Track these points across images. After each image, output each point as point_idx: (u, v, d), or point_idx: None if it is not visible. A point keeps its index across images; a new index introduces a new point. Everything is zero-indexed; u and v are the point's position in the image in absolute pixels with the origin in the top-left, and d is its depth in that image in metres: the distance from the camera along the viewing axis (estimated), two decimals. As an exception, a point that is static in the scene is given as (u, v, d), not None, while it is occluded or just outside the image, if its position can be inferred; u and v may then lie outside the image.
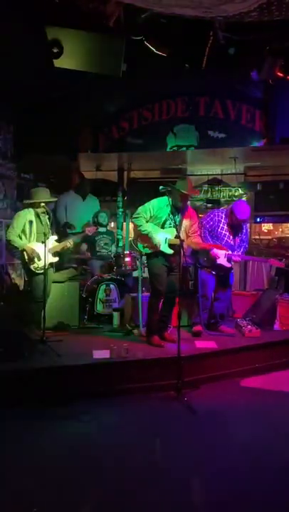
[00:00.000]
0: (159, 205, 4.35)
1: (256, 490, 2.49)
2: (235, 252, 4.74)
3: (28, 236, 4.56)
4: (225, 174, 7.27)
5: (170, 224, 4.31)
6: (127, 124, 6.39)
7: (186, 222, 4.39)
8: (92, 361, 3.90)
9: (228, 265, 4.72)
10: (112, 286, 5.43)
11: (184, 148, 6.30)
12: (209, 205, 7.02)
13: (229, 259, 4.69)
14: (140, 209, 4.42)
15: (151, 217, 4.37)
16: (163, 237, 4.32)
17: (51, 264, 4.70)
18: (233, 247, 4.75)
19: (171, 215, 4.29)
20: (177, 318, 3.86)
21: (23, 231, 4.57)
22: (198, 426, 3.28)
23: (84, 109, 6.23)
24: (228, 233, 4.73)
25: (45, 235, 4.43)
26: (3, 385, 3.57)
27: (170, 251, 4.32)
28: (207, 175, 7.40)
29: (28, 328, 4.46)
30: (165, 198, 4.24)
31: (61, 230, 6.40)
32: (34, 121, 6.01)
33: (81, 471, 2.65)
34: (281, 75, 5.12)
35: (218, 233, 4.73)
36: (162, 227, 4.34)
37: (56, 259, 4.74)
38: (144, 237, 4.41)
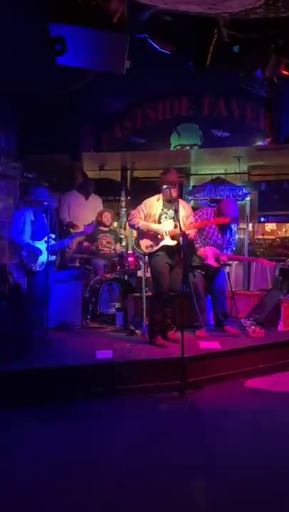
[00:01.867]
0: (150, 202, 4.39)
1: (258, 491, 2.46)
2: (224, 252, 4.71)
3: (28, 235, 4.56)
4: (229, 173, 7.24)
5: (166, 217, 4.32)
6: (130, 123, 6.36)
7: (182, 213, 4.34)
8: (95, 361, 3.87)
9: (215, 265, 4.68)
10: (115, 285, 5.40)
11: (188, 148, 6.27)
12: (213, 204, 6.98)
13: (217, 259, 4.67)
14: (133, 211, 4.51)
15: (145, 216, 4.39)
16: (162, 230, 4.30)
17: (50, 263, 4.69)
18: (221, 246, 4.73)
19: (164, 209, 4.32)
20: (180, 319, 3.83)
21: (24, 229, 4.57)
22: (202, 427, 3.26)
23: (87, 108, 6.21)
24: (216, 232, 4.73)
25: (46, 234, 4.42)
26: (6, 384, 3.55)
27: (173, 242, 4.29)
28: (211, 174, 7.36)
29: (31, 328, 4.45)
30: (155, 196, 4.32)
31: (64, 229, 6.37)
32: (37, 120, 5.99)
33: (81, 472, 2.63)
34: (286, 73, 5.06)
35: (207, 232, 4.72)
36: (158, 222, 4.34)
37: (54, 257, 4.74)
38: (144, 235, 4.40)
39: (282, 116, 5.92)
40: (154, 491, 2.46)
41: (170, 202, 4.32)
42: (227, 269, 5.28)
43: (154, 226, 4.32)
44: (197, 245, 4.68)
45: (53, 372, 3.72)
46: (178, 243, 4.27)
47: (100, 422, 3.31)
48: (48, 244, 4.44)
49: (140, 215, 4.40)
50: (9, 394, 3.50)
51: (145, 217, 4.40)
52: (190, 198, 7.26)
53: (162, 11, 4.19)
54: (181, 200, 4.39)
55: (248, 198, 6.97)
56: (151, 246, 4.38)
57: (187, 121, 6.15)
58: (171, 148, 6.31)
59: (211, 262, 4.65)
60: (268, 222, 7.36)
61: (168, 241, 4.29)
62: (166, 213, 4.34)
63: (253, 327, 4.78)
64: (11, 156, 6.10)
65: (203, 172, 7.53)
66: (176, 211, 4.24)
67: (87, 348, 4.21)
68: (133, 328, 4.86)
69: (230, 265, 5.98)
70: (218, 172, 7.34)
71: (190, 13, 4.10)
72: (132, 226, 4.52)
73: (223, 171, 7.30)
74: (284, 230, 7.64)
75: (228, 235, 4.81)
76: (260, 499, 2.40)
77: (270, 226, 7.66)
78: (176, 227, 4.25)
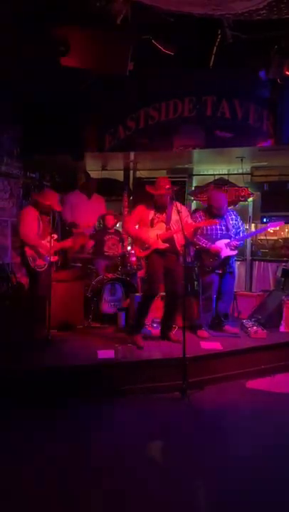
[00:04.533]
0: (141, 208, 4.52)
1: (258, 491, 2.47)
2: (233, 239, 4.75)
3: (33, 234, 4.59)
4: (232, 174, 7.23)
5: (158, 221, 4.41)
6: (133, 123, 6.36)
7: (175, 217, 4.36)
8: (97, 361, 3.88)
9: (233, 253, 4.76)
10: (117, 285, 5.41)
11: (191, 148, 6.26)
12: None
13: (231, 247, 4.72)
14: (127, 217, 4.69)
15: (138, 221, 4.51)
16: (153, 234, 4.37)
17: (52, 264, 4.72)
18: (228, 234, 4.76)
19: (157, 214, 4.42)
20: (182, 319, 3.84)
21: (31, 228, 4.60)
22: (203, 427, 3.26)
23: (90, 108, 6.21)
24: (216, 226, 4.76)
25: (50, 233, 4.44)
26: (8, 384, 3.56)
27: (164, 245, 4.35)
28: (213, 175, 7.36)
29: (33, 328, 4.47)
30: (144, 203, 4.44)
31: (66, 229, 6.39)
32: (40, 120, 6.00)
33: (82, 472, 2.64)
34: (289, 74, 5.07)
35: (208, 229, 4.76)
36: (151, 226, 4.42)
37: (56, 258, 4.77)
38: (137, 241, 4.52)
39: (286, 117, 5.91)
40: (153, 490, 2.47)
41: (162, 207, 4.40)
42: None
43: (144, 235, 4.42)
44: (206, 245, 4.70)
45: (54, 372, 3.73)
46: (170, 246, 4.34)
47: (100, 421, 3.32)
48: (51, 244, 4.46)
49: (133, 222, 4.53)
50: (11, 394, 3.51)
51: (139, 222, 4.51)
52: (192, 198, 7.27)
53: (166, 12, 4.19)
54: (176, 204, 4.40)
55: (250, 199, 6.97)
56: (144, 249, 4.45)
57: (190, 121, 6.14)
58: (174, 149, 6.31)
59: (226, 252, 4.71)
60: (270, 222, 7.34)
61: (159, 244, 4.35)
62: (159, 217, 4.43)
63: (254, 328, 4.78)
64: (14, 156, 6.12)
65: (205, 172, 7.52)
66: (169, 216, 4.37)
67: (89, 347, 4.23)
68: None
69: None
70: (221, 172, 7.33)
71: (193, 14, 4.10)
72: (126, 232, 4.65)
73: (226, 172, 7.29)
74: (287, 230, 7.62)
75: (231, 222, 4.84)
76: (261, 499, 2.41)
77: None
78: (168, 229, 4.36)
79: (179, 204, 4.46)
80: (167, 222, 4.38)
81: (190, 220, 4.53)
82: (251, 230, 6.94)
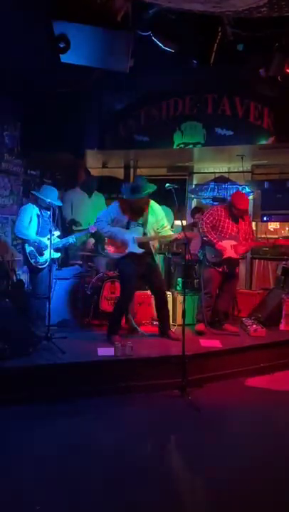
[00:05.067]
0: (118, 207, 4.37)
1: (257, 489, 2.47)
2: (242, 243, 4.75)
3: (33, 231, 4.59)
4: (232, 172, 7.22)
5: (134, 224, 4.30)
6: (134, 121, 6.35)
7: (151, 219, 4.34)
8: (97, 359, 3.89)
9: (236, 256, 4.73)
10: (117, 283, 5.40)
11: (191, 146, 6.25)
12: (215, 203, 6.98)
13: (236, 251, 4.71)
14: (100, 213, 4.47)
15: (113, 220, 4.36)
16: (130, 237, 4.28)
17: (53, 260, 4.71)
18: (237, 238, 4.76)
19: (132, 217, 4.30)
20: (182, 317, 3.84)
21: (29, 225, 4.60)
22: (202, 425, 3.26)
23: (91, 105, 6.21)
24: (230, 226, 4.76)
25: (50, 231, 4.44)
26: (7, 381, 3.57)
27: (140, 250, 4.27)
28: (214, 173, 7.35)
29: (33, 325, 4.47)
30: (119, 201, 4.35)
31: (67, 226, 6.39)
32: (41, 118, 5.99)
33: (82, 469, 2.64)
34: (290, 71, 5.05)
35: (221, 227, 4.76)
36: (127, 228, 4.31)
37: (58, 254, 4.76)
38: (111, 241, 4.40)
39: (286, 115, 5.89)
40: (153, 488, 2.47)
41: (138, 209, 4.31)
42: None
43: (121, 235, 4.30)
44: (214, 240, 4.70)
45: (54, 369, 3.74)
46: (147, 250, 4.29)
47: (100, 419, 3.33)
48: (51, 241, 4.46)
49: (107, 219, 4.38)
50: (10, 390, 3.51)
51: (113, 222, 4.37)
52: (193, 196, 7.26)
53: (166, 9, 4.18)
54: (154, 203, 4.38)
55: (251, 197, 6.95)
56: (117, 251, 4.36)
57: (191, 119, 6.13)
58: (175, 147, 6.30)
59: (230, 254, 4.70)
60: (270, 221, 7.34)
61: (135, 249, 4.28)
62: (136, 220, 4.32)
63: (254, 326, 4.79)
64: (14, 154, 6.12)
65: (206, 170, 7.51)
66: (145, 220, 4.28)
67: (89, 345, 4.23)
68: (134, 326, 4.87)
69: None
70: (221, 170, 7.32)
71: (194, 12, 4.09)
72: (99, 229, 4.47)
73: (226, 170, 7.28)
74: (287, 229, 7.61)
75: (244, 226, 4.84)
76: (261, 498, 2.41)
77: (273, 225, 7.64)
78: (145, 234, 4.28)
79: (155, 204, 4.40)
80: (145, 228, 4.30)
81: (166, 222, 4.47)
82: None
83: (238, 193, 5.00)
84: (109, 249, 4.50)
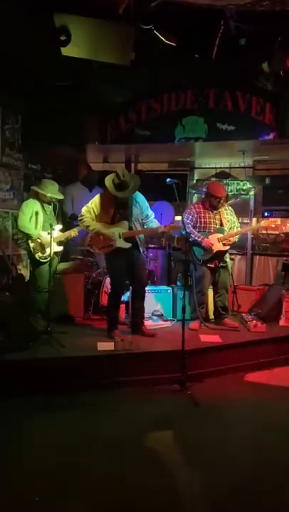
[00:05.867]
0: (101, 202, 4.28)
1: (256, 484, 2.48)
2: (228, 232, 4.75)
3: (34, 226, 4.59)
4: (233, 168, 7.19)
5: (119, 218, 4.25)
6: (135, 115, 6.32)
7: (135, 211, 4.29)
8: (97, 353, 3.90)
9: (225, 248, 4.73)
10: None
11: (192, 141, 6.23)
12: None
13: (224, 242, 4.71)
14: (83, 209, 4.35)
15: (97, 215, 4.29)
16: (116, 232, 4.23)
17: (56, 254, 4.72)
18: (222, 229, 4.76)
19: (118, 210, 4.24)
20: (182, 312, 3.84)
21: (30, 220, 4.59)
22: (201, 419, 3.27)
23: (92, 99, 6.17)
24: (212, 218, 4.78)
25: (51, 225, 4.43)
26: (8, 374, 3.58)
27: (127, 244, 4.24)
28: (215, 168, 7.32)
29: (33, 319, 4.48)
30: (103, 193, 4.27)
31: (68, 221, 6.38)
32: (42, 111, 5.96)
33: (81, 463, 2.65)
34: (292, 66, 5.02)
35: (203, 222, 4.77)
36: (112, 222, 4.26)
37: (61, 248, 4.76)
38: (96, 238, 4.33)
39: (288, 110, 5.86)
40: (152, 483, 2.48)
41: (122, 201, 4.23)
42: (230, 263, 5.28)
43: (106, 230, 4.22)
44: (199, 239, 4.69)
45: (54, 363, 3.74)
46: (133, 245, 4.26)
47: (99, 413, 3.33)
48: (51, 235, 4.45)
49: (91, 215, 4.30)
50: (10, 384, 3.53)
51: (97, 217, 4.30)
52: (194, 191, 7.24)
53: (168, 2, 4.15)
54: (137, 194, 4.33)
55: (252, 193, 6.93)
56: (104, 248, 4.31)
57: (192, 114, 6.10)
58: (176, 141, 6.27)
59: (219, 247, 4.70)
60: (271, 217, 7.32)
61: (121, 243, 4.23)
62: (120, 213, 4.26)
63: (254, 321, 4.79)
64: (15, 147, 6.10)
65: (207, 166, 7.49)
66: (130, 213, 4.23)
67: (89, 339, 4.24)
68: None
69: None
70: (222, 166, 7.30)
71: (196, 5, 4.06)
72: (83, 226, 4.38)
73: (227, 165, 7.25)
74: (288, 225, 7.60)
75: (225, 216, 4.83)
76: (259, 493, 2.42)
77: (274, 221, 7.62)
78: (130, 228, 4.24)
79: (138, 195, 4.34)
80: (130, 221, 4.25)
81: (150, 212, 4.42)
82: (252, 224, 6.93)
83: (214, 183, 5.12)
84: (94, 249, 4.46)
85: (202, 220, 4.79)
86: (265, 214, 6.89)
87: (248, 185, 6.82)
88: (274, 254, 6.69)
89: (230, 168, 7.21)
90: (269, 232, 7.10)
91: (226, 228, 4.77)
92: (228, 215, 4.86)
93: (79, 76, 5.46)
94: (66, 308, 5.10)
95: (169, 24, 4.65)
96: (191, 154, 7.08)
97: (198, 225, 4.79)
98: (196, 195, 7.27)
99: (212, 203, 4.77)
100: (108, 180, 4.21)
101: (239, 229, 4.90)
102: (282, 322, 5.08)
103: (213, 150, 6.75)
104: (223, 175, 7.17)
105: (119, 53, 4.21)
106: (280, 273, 6.04)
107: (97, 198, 4.35)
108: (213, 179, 6.99)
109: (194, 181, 7.36)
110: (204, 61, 4.91)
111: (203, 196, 4.99)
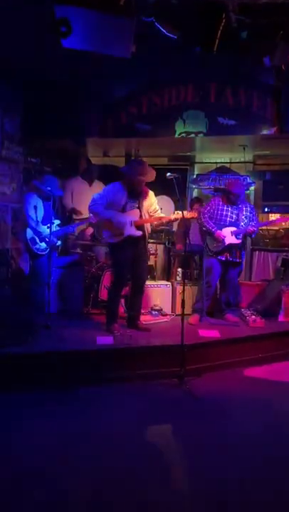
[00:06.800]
0: (114, 191, 4.29)
1: (256, 479, 2.48)
2: (243, 226, 4.77)
3: (34, 218, 4.59)
4: (234, 162, 7.17)
5: (132, 207, 4.27)
6: (135, 109, 6.29)
7: (146, 203, 4.33)
8: (96, 347, 3.90)
9: (237, 241, 4.77)
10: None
11: (193, 135, 6.20)
12: (217, 193, 6.94)
13: (237, 235, 4.75)
14: (96, 196, 4.33)
15: (108, 203, 4.28)
16: (128, 220, 4.24)
17: (54, 247, 4.72)
18: (237, 223, 4.78)
19: (130, 199, 4.26)
20: (181, 307, 3.84)
21: (32, 213, 4.61)
22: (200, 414, 3.28)
23: (92, 93, 6.13)
24: (229, 213, 4.83)
25: (50, 219, 4.43)
26: (6, 368, 3.58)
27: (138, 232, 4.25)
28: (215, 163, 7.30)
29: (33, 313, 4.47)
30: (117, 182, 4.27)
31: (67, 215, 6.36)
32: (42, 105, 5.93)
33: (82, 457, 2.66)
34: (294, 60, 4.99)
35: (219, 215, 4.83)
36: (123, 211, 4.27)
37: (59, 242, 4.76)
38: (107, 225, 4.31)
39: (290, 105, 5.83)
40: (151, 478, 2.49)
41: (136, 192, 4.26)
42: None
43: (119, 217, 4.22)
44: (212, 229, 4.73)
45: (53, 357, 3.75)
46: (143, 233, 4.28)
47: (99, 407, 3.34)
48: (51, 230, 4.46)
49: (103, 202, 4.28)
50: (10, 377, 3.53)
51: (108, 204, 4.29)
52: (194, 186, 7.22)
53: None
54: (144, 188, 4.34)
55: (252, 188, 6.92)
56: (115, 236, 4.29)
57: (193, 108, 6.07)
58: (176, 136, 6.24)
59: (231, 240, 4.73)
60: (272, 212, 7.30)
61: (133, 231, 4.24)
62: (132, 202, 4.28)
63: (253, 317, 4.80)
64: (14, 141, 6.06)
65: (208, 160, 7.46)
66: (141, 203, 4.26)
67: (88, 333, 4.24)
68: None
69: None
70: (223, 161, 7.28)
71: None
72: (94, 213, 4.38)
73: (228, 160, 7.23)
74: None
75: (244, 213, 4.85)
76: (259, 488, 2.42)
77: (274, 216, 7.60)
78: (141, 217, 4.26)
79: (146, 189, 4.37)
80: (141, 211, 4.27)
81: (158, 207, 4.45)
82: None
83: (234, 180, 5.32)
84: (106, 233, 4.43)
85: (218, 212, 4.85)
86: (266, 209, 6.88)
87: (248, 180, 6.80)
88: (274, 250, 6.69)
89: (230, 163, 7.19)
90: (269, 227, 7.09)
91: (242, 224, 4.79)
92: (246, 212, 4.88)
93: (79, 69, 5.42)
94: (65, 302, 5.10)
95: (170, 17, 4.61)
96: (191, 149, 7.06)
97: (213, 217, 4.85)
98: (196, 189, 7.25)
99: (230, 198, 4.84)
100: (129, 166, 4.34)
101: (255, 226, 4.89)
102: (281, 317, 5.08)
103: (214, 144, 6.73)
104: (223, 170, 7.15)
105: (120, 46, 4.18)
106: (280, 268, 6.05)
107: (109, 186, 4.38)
108: (214, 174, 6.97)
109: (194, 176, 7.34)
110: (205, 55, 4.87)
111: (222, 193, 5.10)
